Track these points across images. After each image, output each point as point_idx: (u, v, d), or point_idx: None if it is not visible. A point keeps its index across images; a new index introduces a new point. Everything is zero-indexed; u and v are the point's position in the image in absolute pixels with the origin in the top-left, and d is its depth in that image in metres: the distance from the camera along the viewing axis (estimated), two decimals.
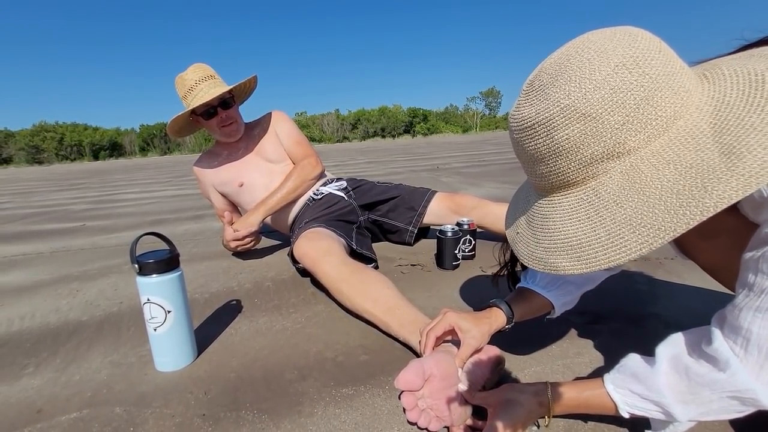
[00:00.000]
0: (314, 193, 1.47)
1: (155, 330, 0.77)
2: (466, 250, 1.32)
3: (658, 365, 0.48)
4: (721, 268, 0.56)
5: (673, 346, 0.49)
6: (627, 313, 0.91)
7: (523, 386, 0.58)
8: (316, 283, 1.16)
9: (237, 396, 0.70)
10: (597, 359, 0.75)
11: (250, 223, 1.34)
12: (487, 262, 1.31)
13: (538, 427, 0.58)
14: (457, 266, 1.27)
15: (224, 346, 0.88)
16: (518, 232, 0.51)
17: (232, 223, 1.36)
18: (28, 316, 1.12)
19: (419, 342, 0.72)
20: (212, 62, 1.40)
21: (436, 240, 1.28)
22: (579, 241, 0.42)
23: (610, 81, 0.37)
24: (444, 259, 1.26)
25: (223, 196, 1.55)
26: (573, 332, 0.84)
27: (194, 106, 1.31)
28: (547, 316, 0.74)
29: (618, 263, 0.39)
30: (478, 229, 1.36)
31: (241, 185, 1.48)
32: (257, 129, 1.53)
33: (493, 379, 0.66)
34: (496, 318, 0.70)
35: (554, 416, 0.56)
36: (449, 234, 1.24)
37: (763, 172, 0.33)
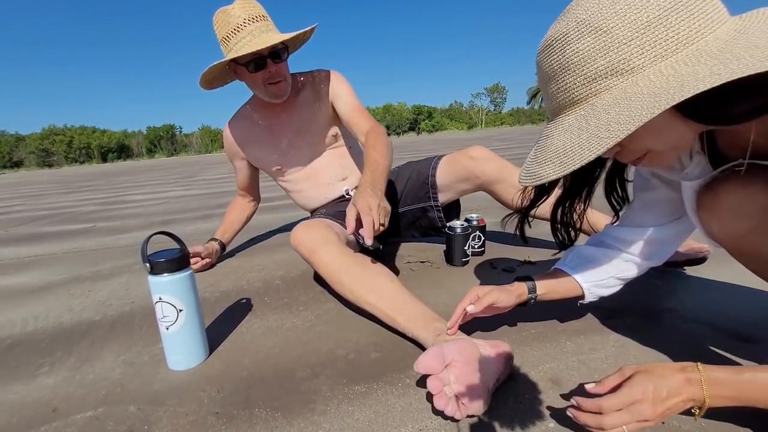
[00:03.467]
0: (347, 193, 1.34)
1: (167, 329, 0.77)
2: (476, 246, 1.31)
3: None
4: (757, 255, 0.54)
5: None
6: (643, 309, 0.89)
7: (663, 363, 0.52)
8: (326, 282, 1.15)
9: (250, 394, 0.70)
10: (613, 355, 0.74)
11: (377, 208, 0.88)
12: (496, 258, 1.30)
13: (696, 416, 0.48)
14: (466, 263, 1.26)
15: (236, 344, 0.88)
16: (526, 160, 0.52)
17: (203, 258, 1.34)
18: (42, 316, 1.13)
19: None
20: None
21: (445, 236, 1.27)
22: (564, 148, 0.43)
23: None
24: (453, 255, 1.25)
25: (251, 167, 1.40)
26: (588, 328, 0.83)
27: (241, 54, 1.04)
28: (580, 301, 0.75)
29: (588, 158, 0.40)
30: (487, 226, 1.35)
31: (280, 169, 1.33)
32: (306, 92, 1.26)
33: (506, 372, 0.66)
34: (518, 287, 0.73)
35: (711, 407, 0.46)
36: (458, 230, 1.23)
37: (736, 70, 0.34)
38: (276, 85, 1.15)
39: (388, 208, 0.90)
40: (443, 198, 1.30)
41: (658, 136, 0.44)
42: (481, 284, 1.10)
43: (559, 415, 0.59)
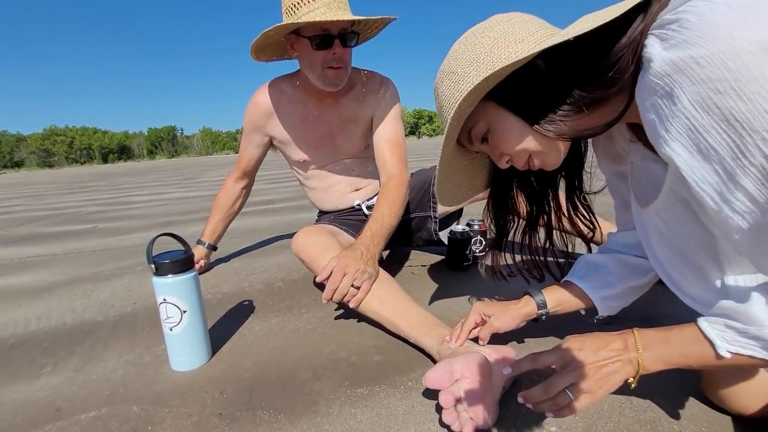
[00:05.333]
0: (367, 208, 1.28)
1: (171, 330, 0.77)
2: (477, 251, 1.31)
3: (753, 299, 0.43)
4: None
5: (759, 278, 0.45)
6: (643, 314, 0.90)
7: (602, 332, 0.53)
8: None
9: (252, 395, 0.71)
10: None
11: (354, 274, 0.85)
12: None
13: (631, 386, 0.49)
14: (468, 267, 1.27)
15: (238, 346, 0.89)
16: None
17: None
18: (45, 316, 1.13)
19: (450, 335, 0.72)
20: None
21: (446, 240, 1.28)
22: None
23: (461, 48, 0.54)
24: (455, 259, 1.26)
25: (266, 147, 1.28)
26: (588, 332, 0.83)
27: (307, 21, 0.93)
28: (596, 316, 0.73)
29: (441, 155, 0.59)
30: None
31: (304, 162, 1.25)
32: (355, 92, 1.16)
33: (510, 380, 0.66)
34: (526, 304, 0.72)
35: (643, 374, 0.48)
36: (460, 235, 1.24)
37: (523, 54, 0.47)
38: (335, 71, 1.03)
39: (373, 272, 0.87)
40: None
41: (503, 136, 0.54)
42: (481, 289, 1.11)
43: (560, 419, 0.59)
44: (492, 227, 0.76)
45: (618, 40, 0.43)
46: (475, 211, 2.01)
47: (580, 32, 0.42)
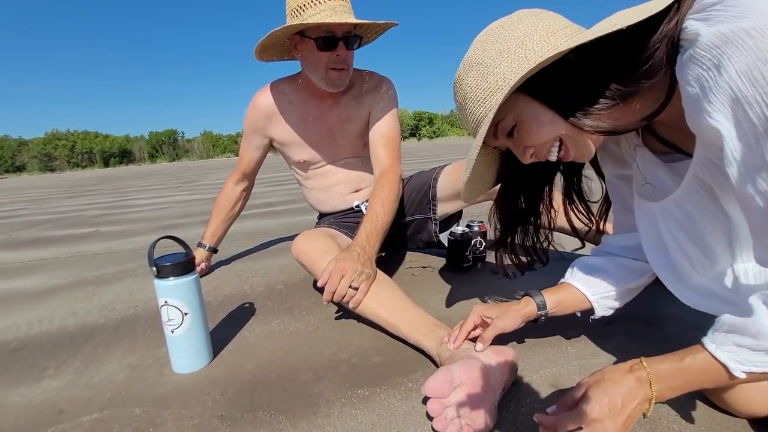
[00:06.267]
0: (356, 207, 1.30)
1: (173, 332, 0.78)
2: (477, 252, 1.31)
3: (757, 311, 0.42)
4: None
5: (764, 293, 0.44)
6: (644, 315, 0.90)
7: (613, 366, 0.52)
8: None
9: (254, 397, 0.71)
10: (613, 360, 0.74)
11: (351, 275, 0.85)
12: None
13: (645, 416, 0.48)
14: (467, 268, 1.27)
15: (239, 348, 0.89)
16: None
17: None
18: (47, 319, 1.14)
19: (449, 336, 0.72)
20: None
21: (447, 242, 1.28)
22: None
23: (489, 39, 0.53)
24: (455, 260, 1.26)
25: (266, 148, 1.29)
26: (589, 333, 0.84)
27: (315, 22, 0.96)
28: (591, 316, 0.73)
29: (473, 155, 0.56)
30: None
31: (304, 163, 1.26)
32: (354, 91, 1.18)
33: (510, 380, 0.66)
34: (526, 305, 0.72)
35: (658, 402, 0.48)
36: (459, 236, 1.24)
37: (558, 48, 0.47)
38: (339, 72, 1.06)
39: (370, 273, 0.88)
40: (448, 208, 1.29)
41: (533, 128, 0.53)
42: (482, 290, 1.11)
43: None
44: (498, 225, 0.75)
45: (652, 34, 0.43)
46: (475, 212, 2.01)
47: (631, 22, 0.42)
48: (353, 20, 0.99)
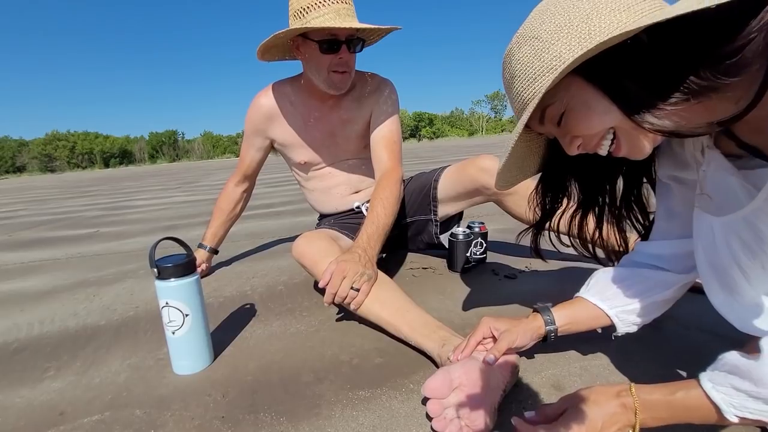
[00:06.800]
0: (357, 208, 1.30)
1: (173, 333, 0.78)
2: (478, 253, 1.32)
3: (765, 355, 0.39)
4: None
5: None
6: None
7: (601, 387, 0.51)
8: None
9: (255, 399, 0.71)
10: (614, 362, 0.74)
11: (353, 276, 0.85)
12: (498, 265, 1.31)
13: None
14: (468, 269, 1.27)
15: (240, 349, 0.89)
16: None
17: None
18: (48, 321, 1.14)
19: (458, 346, 0.69)
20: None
21: (447, 243, 1.28)
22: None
23: (550, 10, 0.45)
24: (455, 261, 1.26)
25: (267, 150, 1.30)
26: (590, 335, 0.83)
27: (319, 26, 0.96)
28: (614, 333, 0.68)
29: (513, 140, 0.49)
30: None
31: (305, 164, 1.26)
32: (355, 93, 1.18)
33: (512, 382, 0.66)
34: (534, 321, 0.69)
35: (642, 429, 0.46)
36: (460, 237, 1.24)
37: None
38: (341, 75, 1.06)
39: (372, 274, 0.88)
40: (449, 209, 1.29)
41: (585, 117, 0.46)
42: (482, 291, 1.11)
43: None
44: (537, 210, 0.69)
45: (749, 20, 0.35)
46: (476, 213, 2.01)
47: (722, 0, 0.32)
48: (357, 25, 0.98)
